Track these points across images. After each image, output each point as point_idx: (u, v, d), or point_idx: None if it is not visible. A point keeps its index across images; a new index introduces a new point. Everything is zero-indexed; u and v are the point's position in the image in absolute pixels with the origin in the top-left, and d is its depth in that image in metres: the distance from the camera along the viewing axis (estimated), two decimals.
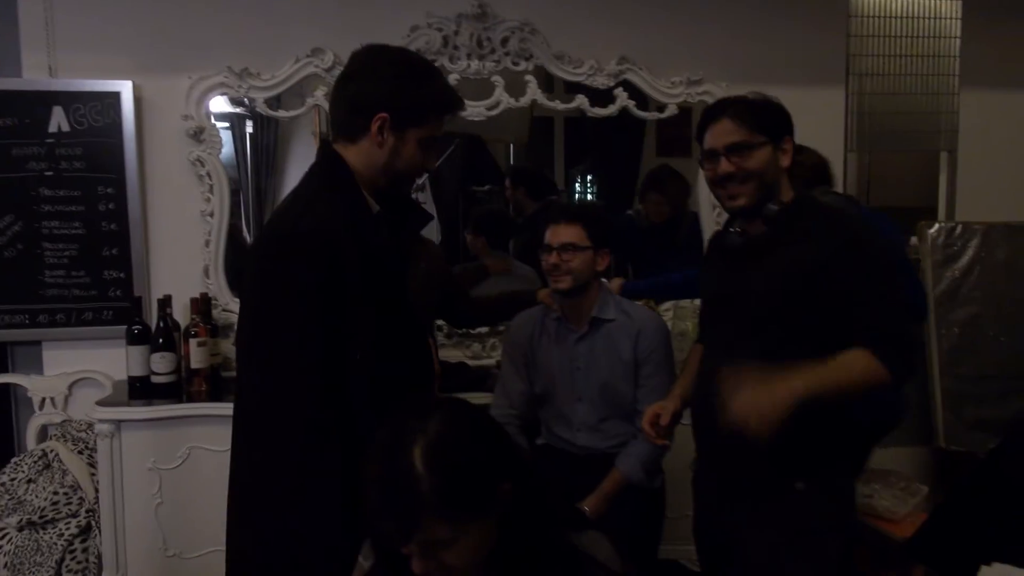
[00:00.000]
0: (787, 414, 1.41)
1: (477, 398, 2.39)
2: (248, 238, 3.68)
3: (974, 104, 3.28)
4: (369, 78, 1.46)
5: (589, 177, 3.81)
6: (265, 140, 3.56)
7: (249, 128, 3.59)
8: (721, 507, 1.74)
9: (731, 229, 1.74)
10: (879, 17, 3.22)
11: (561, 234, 2.14)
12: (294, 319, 1.35)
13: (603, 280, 2.26)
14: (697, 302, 3.05)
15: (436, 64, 2.81)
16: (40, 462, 2.50)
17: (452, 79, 2.87)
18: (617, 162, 3.67)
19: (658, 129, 3.33)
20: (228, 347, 2.83)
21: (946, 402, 3.17)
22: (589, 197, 3.78)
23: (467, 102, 2.89)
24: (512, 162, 3.73)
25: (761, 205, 1.64)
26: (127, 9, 2.73)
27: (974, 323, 3.21)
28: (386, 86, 1.44)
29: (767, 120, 1.63)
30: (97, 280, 2.74)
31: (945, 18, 3.26)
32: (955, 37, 3.25)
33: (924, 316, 1.65)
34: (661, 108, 3.05)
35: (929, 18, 3.25)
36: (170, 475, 2.42)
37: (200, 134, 2.77)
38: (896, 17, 3.23)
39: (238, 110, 3.20)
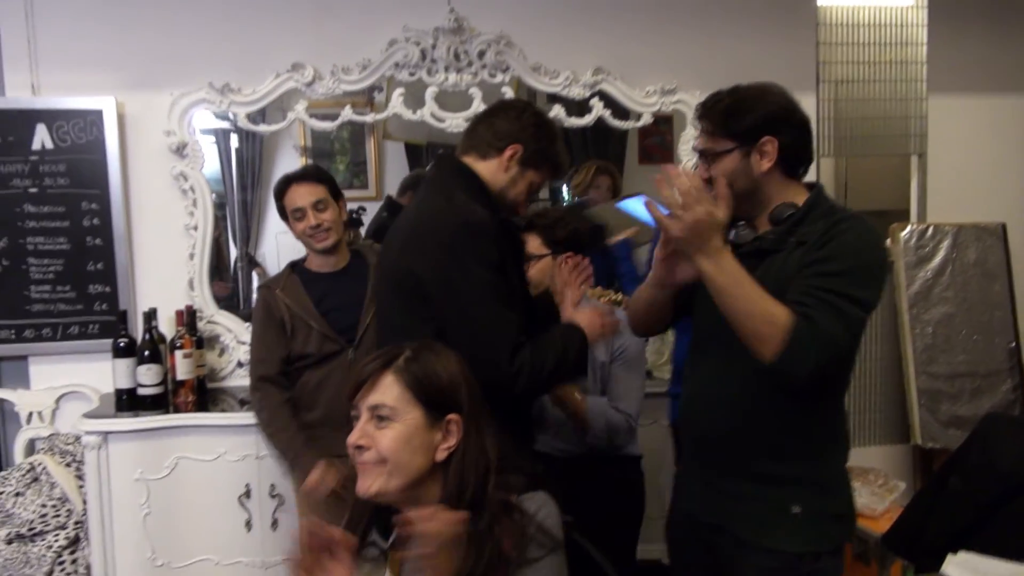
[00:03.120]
0: (697, 238, 1.41)
1: None
2: (234, 251, 3.73)
3: (942, 108, 3.36)
4: (515, 118, 1.78)
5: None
6: (250, 154, 3.62)
7: (234, 142, 3.65)
8: (705, 512, 1.65)
9: (739, 223, 1.60)
10: (847, 25, 3.29)
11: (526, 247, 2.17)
12: (486, 284, 1.62)
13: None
14: None
15: (414, 77, 2.92)
16: (28, 475, 2.52)
17: (430, 92, 2.93)
18: None
19: (639, 136, 3.40)
20: (213, 358, 2.87)
21: (921, 400, 3.24)
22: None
23: (446, 114, 2.95)
24: None
25: (742, 214, 1.55)
26: (108, 27, 2.77)
27: (947, 322, 3.29)
28: (528, 127, 1.76)
29: (735, 124, 1.51)
30: (82, 294, 2.77)
31: (911, 25, 3.33)
32: (922, 44, 3.33)
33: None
34: (637, 117, 3.12)
35: (896, 25, 3.33)
36: (158, 485, 2.45)
37: (183, 149, 2.81)
38: (864, 25, 3.31)
39: (223, 125, 3.25)
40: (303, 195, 2.22)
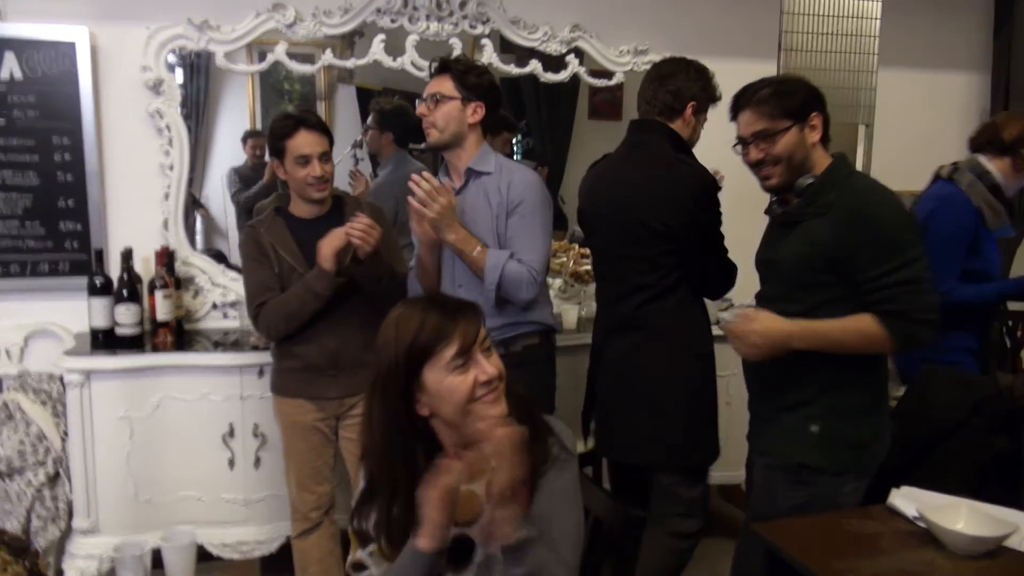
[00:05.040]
0: (774, 350, 1.74)
1: None
2: None
3: (889, 82, 3.56)
4: (686, 77, 2.19)
5: (524, 138, 3.90)
6: (195, 91, 3.51)
7: (179, 78, 3.53)
8: (752, 436, 2.01)
9: (774, 201, 1.92)
10: None
11: (431, 85, 2.12)
12: (720, 225, 2.18)
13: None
14: None
15: (396, 24, 2.92)
16: (1, 413, 2.50)
17: (411, 40, 2.94)
18: (552, 124, 3.80)
19: (590, 93, 3.48)
20: (188, 300, 2.87)
21: None
22: (516, 158, 3.71)
23: (426, 63, 2.95)
24: None
25: (792, 182, 1.80)
26: None
27: None
28: (696, 82, 2.19)
29: (789, 103, 1.77)
30: (53, 231, 2.71)
31: (866, 0, 3.51)
32: (875, 18, 3.51)
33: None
34: (609, 75, 3.21)
35: None
36: (141, 424, 2.47)
37: (159, 86, 2.76)
38: None
39: (169, 59, 3.13)
40: (312, 143, 2.19)
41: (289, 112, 2.24)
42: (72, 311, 2.71)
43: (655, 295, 2.15)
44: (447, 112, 2.10)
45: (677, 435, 2.15)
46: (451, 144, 2.14)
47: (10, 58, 2.60)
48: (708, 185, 2.13)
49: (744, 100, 1.81)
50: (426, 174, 2.06)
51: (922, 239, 1.74)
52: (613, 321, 2.24)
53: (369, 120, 3.31)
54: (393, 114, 3.30)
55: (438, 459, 1.23)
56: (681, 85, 2.17)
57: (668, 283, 2.14)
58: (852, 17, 3.49)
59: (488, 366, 1.29)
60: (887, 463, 2.42)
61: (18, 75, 2.61)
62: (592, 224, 2.32)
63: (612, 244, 2.22)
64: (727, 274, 2.23)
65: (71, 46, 2.63)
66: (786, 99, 1.77)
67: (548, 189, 2.25)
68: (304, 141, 2.19)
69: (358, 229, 2.10)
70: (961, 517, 1.56)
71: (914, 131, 3.64)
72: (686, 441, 2.17)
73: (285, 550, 2.50)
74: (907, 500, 1.73)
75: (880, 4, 3.49)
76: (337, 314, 2.21)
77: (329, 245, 2.12)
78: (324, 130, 2.25)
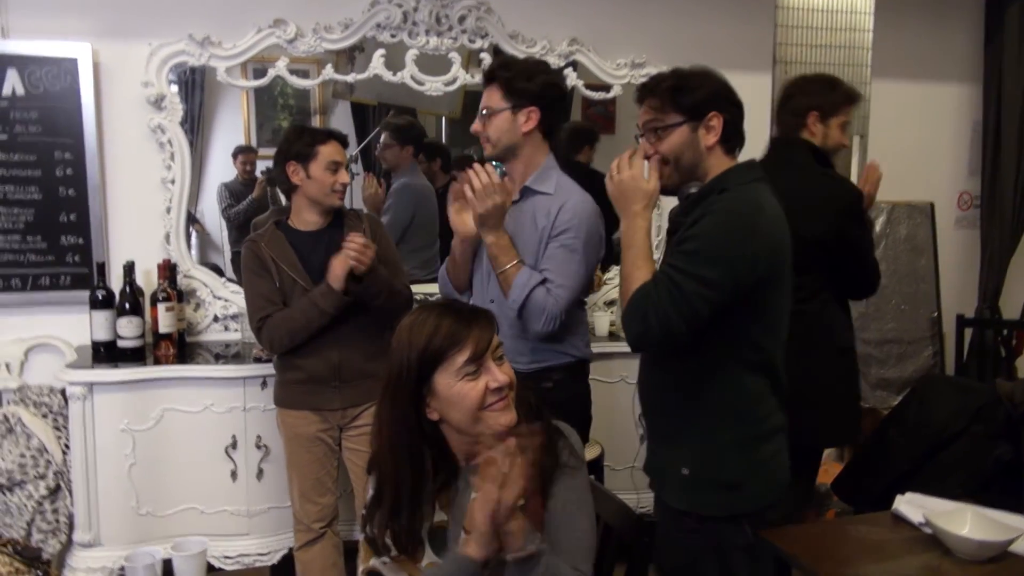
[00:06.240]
0: (619, 196, 1.60)
1: None
2: None
3: (882, 93, 3.61)
4: (800, 95, 2.36)
5: None
6: (192, 106, 3.52)
7: (174, 90, 3.53)
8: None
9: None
10: (802, 9, 3.49)
11: (483, 99, 2.01)
12: None
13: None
14: None
15: (396, 39, 2.94)
16: (2, 427, 2.49)
17: (411, 55, 2.96)
18: None
19: (583, 106, 3.51)
20: (189, 313, 2.87)
21: None
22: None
23: (425, 77, 3.00)
24: (443, 136, 3.80)
25: (683, 186, 1.62)
26: None
27: (879, 293, 3.56)
28: (814, 95, 2.34)
29: (684, 99, 1.55)
30: (54, 245, 2.71)
31: (859, 12, 3.56)
32: (868, 31, 3.56)
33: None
34: (606, 88, 3.24)
35: (846, 12, 3.55)
36: (143, 436, 2.47)
37: (161, 101, 2.77)
38: (817, 10, 3.51)
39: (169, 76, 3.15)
40: (342, 153, 2.30)
41: (306, 126, 2.29)
42: (73, 324, 2.71)
43: (800, 299, 1.84)
44: (498, 126, 1.99)
45: (827, 419, 2.28)
46: (506, 156, 2.02)
47: (12, 75, 2.61)
48: (852, 198, 2.29)
49: (645, 89, 1.61)
50: (489, 166, 1.91)
51: (727, 281, 1.49)
52: None
53: (384, 136, 3.38)
54: (409, 129, 3.43)
55: (488, 456, 1.19)
56: (798, 103, 2.33)
57: (813, 287, 2.22)
58: (845, 30, 3.55)
59: (499, 374, 1.29)
60: (881, 474, 2.45)
61: (20, 91, 2.63)
62: None
63: None
64: (872, 277, 2.40)
65: (73, 62, 2.65)
66: (682, 94, 1.55)
67: None
68: (336, 149, 2.29)
69: (352, 249, 2.13)
70: (967, 522, 1.57)
71: (907, 141, 3.68)
72: (833, 423, 2.32)
73: (287, 562, 2.50)
74: (912, 506, 1.74)
75: (872, 17, 3.55)
76: (340, 326, 2.23)
77: (341, 265, 2.15)
78: (347, 146, 2.37)
